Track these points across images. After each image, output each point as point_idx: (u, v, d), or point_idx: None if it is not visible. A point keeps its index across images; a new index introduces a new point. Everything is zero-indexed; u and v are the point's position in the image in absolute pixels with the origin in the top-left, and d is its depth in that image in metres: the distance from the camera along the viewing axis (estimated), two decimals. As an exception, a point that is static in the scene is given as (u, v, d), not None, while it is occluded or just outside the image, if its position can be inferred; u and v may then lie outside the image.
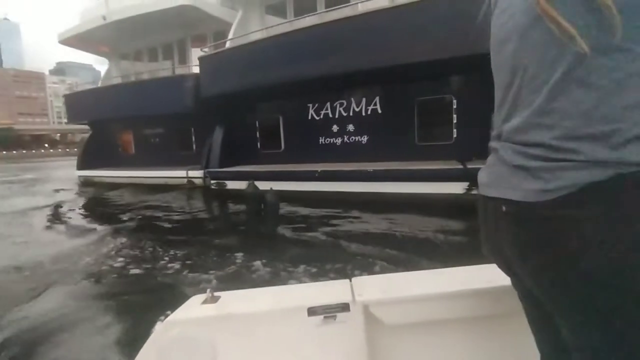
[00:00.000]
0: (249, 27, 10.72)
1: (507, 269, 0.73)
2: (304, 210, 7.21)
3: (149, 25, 12.83)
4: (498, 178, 0.66)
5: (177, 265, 4.44)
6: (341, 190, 7.70)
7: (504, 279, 0.77)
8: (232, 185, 9.63)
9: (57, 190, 13.28)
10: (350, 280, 1.12)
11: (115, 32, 13.66)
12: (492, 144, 0.70)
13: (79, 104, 14.63)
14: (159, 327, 1.00)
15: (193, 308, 1.05)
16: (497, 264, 0.75)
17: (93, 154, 14.91)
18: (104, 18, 13.08)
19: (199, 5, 11.62)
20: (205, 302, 1.06)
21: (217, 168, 10.15)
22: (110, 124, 14.55)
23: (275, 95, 9.72)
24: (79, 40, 14.95)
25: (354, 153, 8.97)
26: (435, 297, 1.03)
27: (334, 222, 6.35)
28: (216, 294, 1.09)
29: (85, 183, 14.33)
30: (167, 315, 1.03)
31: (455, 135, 7.85)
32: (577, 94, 0.54)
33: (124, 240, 5.87)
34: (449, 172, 6.77)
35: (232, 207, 8.51)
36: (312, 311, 0.99)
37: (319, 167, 8.26)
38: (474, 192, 6.36)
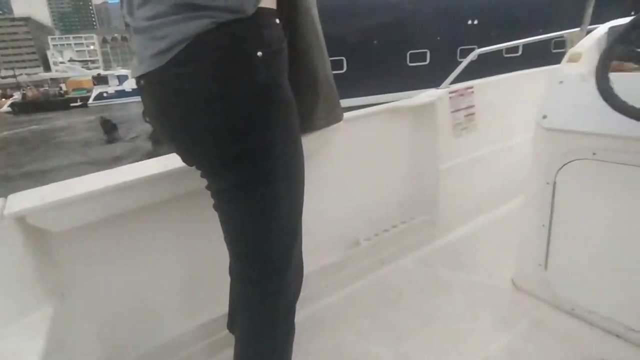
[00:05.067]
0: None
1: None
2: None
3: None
4: (138, 55, 0.62)
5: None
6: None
7: (179, 163, 0.80)
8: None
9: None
10: (6, 198, 0.91)
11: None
12: (126, 19, 0.65)
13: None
14: None
15: None
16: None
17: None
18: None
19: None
20: None
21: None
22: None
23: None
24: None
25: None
26: (106, 192, 0.92)
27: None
28: None
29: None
30: None
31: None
32: None
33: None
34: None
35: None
36: None
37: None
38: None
